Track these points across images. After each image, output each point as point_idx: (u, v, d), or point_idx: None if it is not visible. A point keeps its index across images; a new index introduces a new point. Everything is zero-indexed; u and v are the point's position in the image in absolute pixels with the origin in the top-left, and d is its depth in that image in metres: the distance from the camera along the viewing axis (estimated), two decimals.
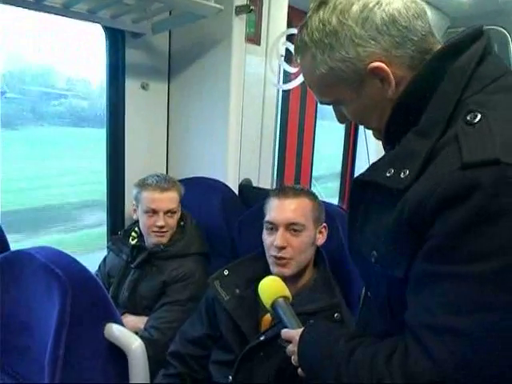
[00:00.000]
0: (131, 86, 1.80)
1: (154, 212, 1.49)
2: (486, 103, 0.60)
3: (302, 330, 0.82)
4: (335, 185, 3.28)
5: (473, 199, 0.52)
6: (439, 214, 0.55)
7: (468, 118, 0.58)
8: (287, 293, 0.96)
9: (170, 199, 1.50)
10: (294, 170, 2.67)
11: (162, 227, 1.49)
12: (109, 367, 0.82)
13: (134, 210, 1.56)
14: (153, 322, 1.44)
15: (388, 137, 0.72)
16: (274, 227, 1.21)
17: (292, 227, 1.19)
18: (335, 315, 1.12)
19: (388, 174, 0.63)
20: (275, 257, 1.19)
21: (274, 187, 2.20)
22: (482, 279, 0.53)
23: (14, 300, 0.95)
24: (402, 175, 0.61)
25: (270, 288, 0.97)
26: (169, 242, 1.54)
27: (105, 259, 1.67)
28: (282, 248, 1.18)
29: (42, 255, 0.88)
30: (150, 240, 1.53)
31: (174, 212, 1.53)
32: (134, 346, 0.81)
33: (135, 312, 1.50)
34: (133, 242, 1.57)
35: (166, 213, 1.50)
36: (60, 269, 0.83)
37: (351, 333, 0.73)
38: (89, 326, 0.82)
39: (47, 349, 0.78)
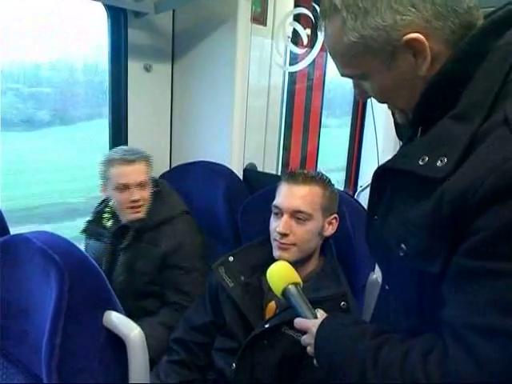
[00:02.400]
0: (134, 68, 1.75)
1: (126, 187, 1.43)
2: None
3: (319, 321, 0.77)
4: None
5: None
6: (490, 206, 0.50)
7: None
8: (297, 278, 0.92)
9: (139, 171, 1.44)
10: (299, 154, 2.63)
11: (136, 201, 1.43)
12: (108, 355, 0.79)
13: (104, 190, 1.49)
14: (176, 296, 1.44)
15: (417, 120, 0.66)
16: (279, 212, 1.17)
17: (297, 215, 1.15)
18: (341, 304, 1.08)
19: (421, 162, 0.58)
20: (278, 242, 1.16)
21: (280, 172, 2.16)
22: None
23: (13, 284, 0.92)
24: (438, 163, 0.55)
25: (280, 274, 0.92)
26: (151, 212, 1.48)
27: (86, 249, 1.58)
28: (284, 235, 1.15)
29: (39, 239, 0.85)
30: (127, 217, 1.46)
31: (146, 183, 1.47)
32: (133, 333, 0.78)
33: (135, 291, 1.46)
34: (109, 224, 1.50)
35: (137, 185, 1.44)
36: (57, 254, 0.80)
37: (375, 329, 0.68)
38: (87, 313, 0.79)
39: (44, 336, 0.76)
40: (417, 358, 0.57)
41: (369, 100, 2.82)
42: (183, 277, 1.45)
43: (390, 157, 0.69)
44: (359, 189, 2.78)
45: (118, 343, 0.79)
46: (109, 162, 1.44)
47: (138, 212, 1.45)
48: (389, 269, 0.71)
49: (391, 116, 0.74)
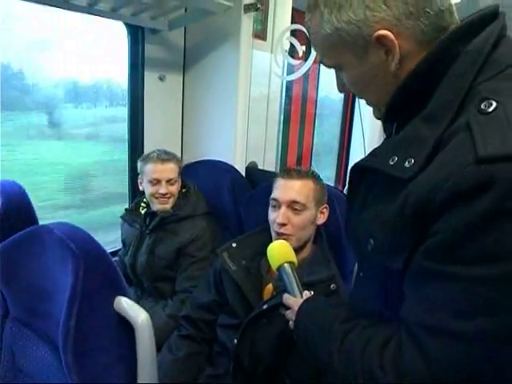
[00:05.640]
0: (150, 78, 1.69)
1: (157, 181, 1.44)
2: (502, 91, 0.46)
3: (301, 301, 0.73)
4: None
5: (487, 196, 0.41)
6: (448, 209, 0.44)
7: (482, 106, 0.45)
8: (294, 258, 0.87)
9: (170, 170, 1.46)
10: (295, 154, 2.58)
11: (164, 194, 1.45)
12: (118, 338, 0.74)
13: (140, 183, 1.51)
14: (186, 283, 1.43)
15: (389, 117, 0.59)
16: (277, 204, 1.13)
17: (294, 206, 1.10)
18: (331, 286, 1.04)
19: (391, 162, 0.51)
20: (277, 232, 1.11)
21: (278, 170, 2.11)
22: (488, 282, 0.42)
23: (39, 270, 0.88)
24: (406, 164, 0.49)
25: (279, 252, 0.88)
26: (176, 207, 1.49)
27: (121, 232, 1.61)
28: (283, 225, 1.09)
29: (59, 230, 0.80)
30: (155, 207, 1.48)
31: (175, 181, 1.48)
32: (141, 318, 0.73)
33: (154, 273, 1.47)
34: (143, 212, 1.53)
35: (167, 181, 1.45)
36: (74, 244, 0.75)
37: (347, 313, 0.63)
38: (99, 299, 0.74)
39: (61, 318, 0.71)
40: (375, 349, 0.51)
41: (357, 104, 2.76)
42: (195, 264, 1.44)
43: None
44: (348, 185, 2.72)
45: (128, 327, 0.74)
46: (146, 159, 1.46)
47: (165, 203, 1.46)
48: (361, 260, 0.66)
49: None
